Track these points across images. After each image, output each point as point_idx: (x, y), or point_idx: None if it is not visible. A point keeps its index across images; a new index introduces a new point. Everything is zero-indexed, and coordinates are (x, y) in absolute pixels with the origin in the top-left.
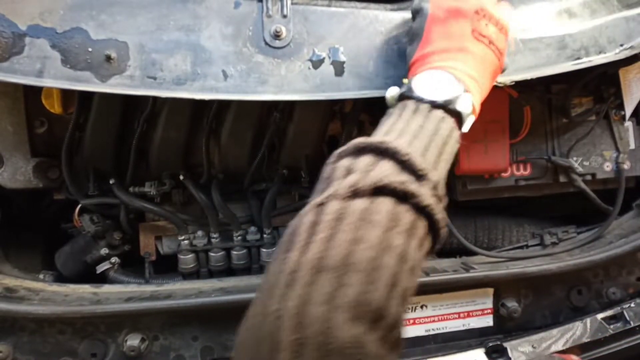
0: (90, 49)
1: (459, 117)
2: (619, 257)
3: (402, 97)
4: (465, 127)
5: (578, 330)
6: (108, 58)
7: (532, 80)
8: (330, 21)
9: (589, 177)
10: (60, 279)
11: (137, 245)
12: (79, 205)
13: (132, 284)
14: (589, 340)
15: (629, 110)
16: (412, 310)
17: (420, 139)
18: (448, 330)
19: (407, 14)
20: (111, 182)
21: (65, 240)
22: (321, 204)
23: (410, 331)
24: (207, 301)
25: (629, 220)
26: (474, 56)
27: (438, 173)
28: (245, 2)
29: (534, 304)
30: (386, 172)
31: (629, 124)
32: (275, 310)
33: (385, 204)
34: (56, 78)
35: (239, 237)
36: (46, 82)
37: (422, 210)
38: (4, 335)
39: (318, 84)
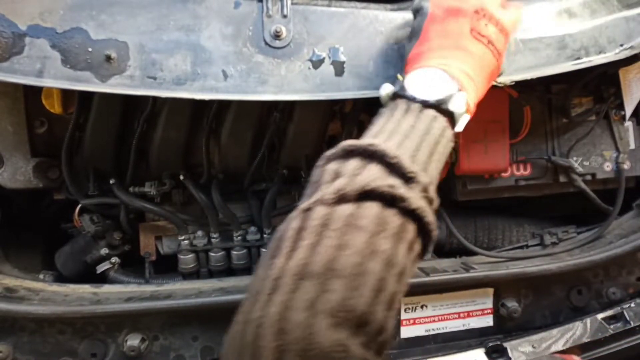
0: (90, 49)
1: (452, 117)
2: (619, 257)
3: (395, 96)
4: (459, 127)
5: (578, 330)
6: (108, 58)
7: (532, 80)
8: (330, 21)
9: (589, 177)
10: (60, 279)
11: (137, 245)
12: (79, 205)
13: (132, 284)
14: (589, 340)
15: (629, 110)
16: (412, 310)
17: (411, 139)
18: (448, 330)
19: (407, 14)
20: (111, 182)
21: (65, 240)
22: (308, 209)
23: (410, 331)
24: (207, 301)
25: (629, 220)
26: (472, 55)
27: (429, 174)
28: (245, 2)
29: (534, 304)
30: (373, 176)
31: (629, 124)
32: (258, 317)
33: (371, 208)
34: (56, 78)
35: (239, 237)
36: (46, 82)
37: (410, 214)
38: (4, 335)
39: (318, 84)
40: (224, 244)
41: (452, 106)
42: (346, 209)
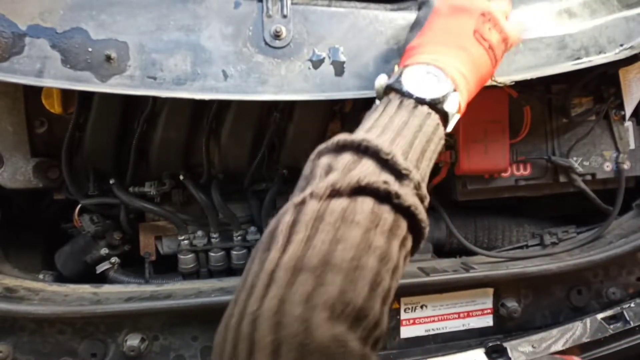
0: (90, 49)
1: (444, 116)
2: (619, 257)
3: (389, 89)
4: (450, 127)
5: (578, 330)
6: (108, 58)
7: (532, 80)
8: (330, 21)
9: (589, 177)
10: (60, 279)
11: (137, 245)
12: (79, 205)
13: (132, 284)
14: (588, 340)
15: (629, 110)
16: (412, 310)
17: (404, 135)
18: (448, 330)
19: (407, 14)
20: (111, 182)
21: (65, 240)
22: (301, 203)
23: (410, 331)
24: (207, 301)
25: (629, 220)
26: (470, 56)
27: (420, 172)
28: (245, 2)
29: (534, 304)
30: (367, 171)
31: (629, 124)
32: (254, 310)
33: (365, 203)
34: (56, 78)
35: (239, 237)
36: (46, 82)
37: (404, 210)
38: (4, 335)
39: (318, 84)
40: (224, 244)
41: (446, 106)
42: (340, 203)
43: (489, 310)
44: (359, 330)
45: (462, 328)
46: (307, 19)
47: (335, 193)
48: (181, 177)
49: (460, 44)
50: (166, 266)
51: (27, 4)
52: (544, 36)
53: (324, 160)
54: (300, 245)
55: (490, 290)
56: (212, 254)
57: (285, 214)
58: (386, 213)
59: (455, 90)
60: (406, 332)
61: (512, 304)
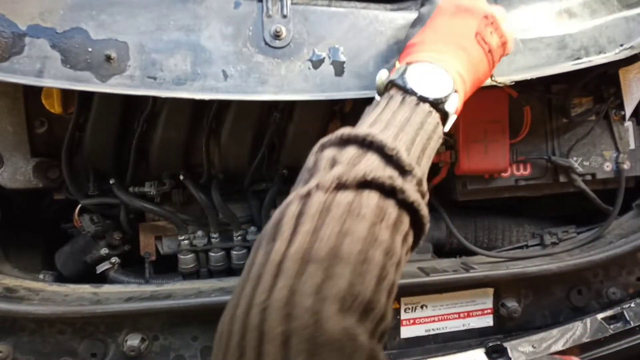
0: (90, 49)
1: (444, 115)
2: (619, 257)
3: (391, 84)
4: (447, 127)
5: (578, 330)
6: (108, 58)
7: (532, 80)
8: (330, 21)
9: (589, 177)
10: (60, 279)
11: (137, 245)
12: (79, 205)
13: (132, 284)
14: (589, 340)
15: (629, 110)
16: (412, 310)
17: (407, 132)
18: (448, 330)
19: (407, 14)
20: (111, 182)
21: (65, 240)
22: (306, 195)
23: (410, 331)
24: (207, 301)
25: (629, 220)
26: (469, 57)
27: (421, 169)
28: (245, 2)
29: (534, 304)
30: (372, 166)
31: (629, 124)
32: (262, 301)
33: (371, 198)
34: (56, 78)
35: (239, 237)
36: (46, 82)
37: (407, 206)
38: (4, 335)
39: (318, 84)
40: (224, 244)
41: (447, 106)
42: (346, 196)
43: (489, 310)
44: (367, 324)
45: (462, 328)
46: (307, 19)
47: (341, 186)
48: (181, 177)
49: (461, 45)
50: (166, 266)
51: (27, 4)
52: (544, 36)
53: (328, 152)
54: (307, 236)
55: (490, 290)
56: (212, 254)
57: (290, 205)
58: (391, 208)
59: (456, 91)
60: (406, 332)
61: (512, 304)
